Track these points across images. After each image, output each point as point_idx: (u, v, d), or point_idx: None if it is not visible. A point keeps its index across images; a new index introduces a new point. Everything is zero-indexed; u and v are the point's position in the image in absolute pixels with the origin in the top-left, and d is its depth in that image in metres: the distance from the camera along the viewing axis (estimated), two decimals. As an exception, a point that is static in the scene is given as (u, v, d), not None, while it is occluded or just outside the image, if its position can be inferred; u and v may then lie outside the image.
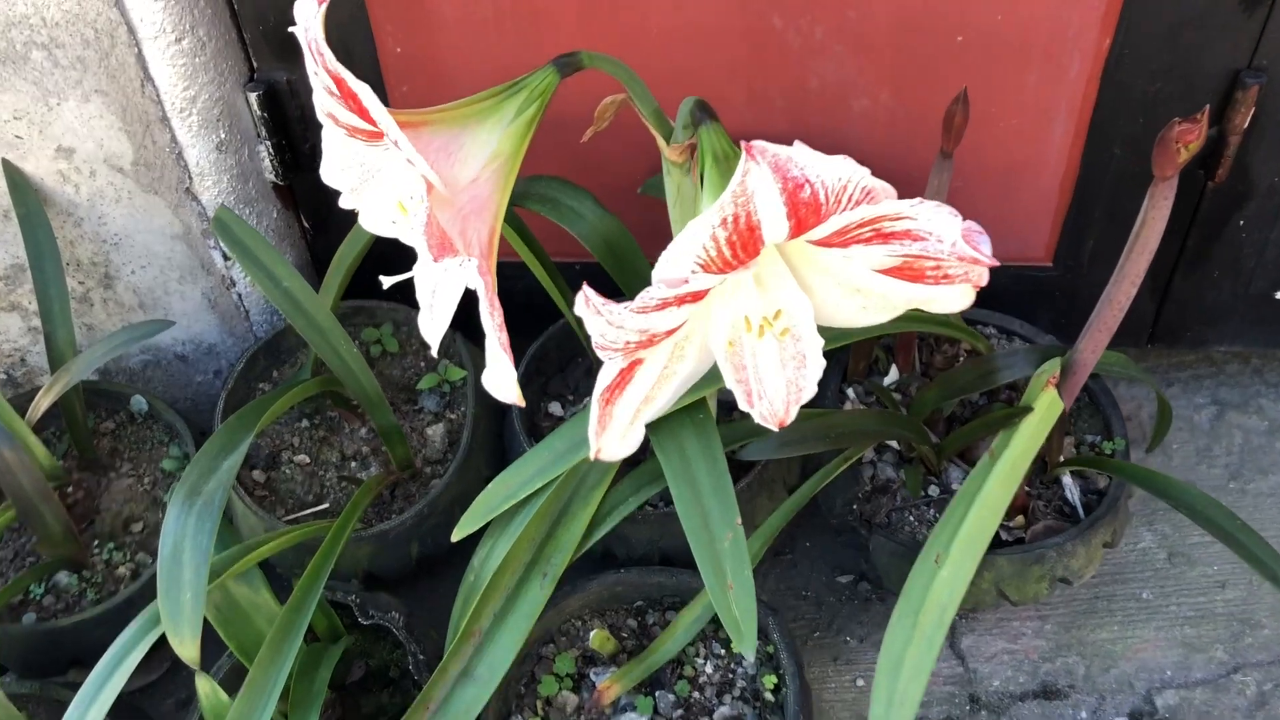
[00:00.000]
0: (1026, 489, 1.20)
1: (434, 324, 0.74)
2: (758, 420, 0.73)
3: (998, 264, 0.61)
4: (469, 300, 1.50)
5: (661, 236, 1.30)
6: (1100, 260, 1.31)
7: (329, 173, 0.78)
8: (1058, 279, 1.34)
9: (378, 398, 1.16)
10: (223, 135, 1.21)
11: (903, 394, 1.26)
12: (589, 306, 0.61)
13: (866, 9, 1.13)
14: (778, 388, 0.72)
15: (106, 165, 1.19)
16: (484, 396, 1.29)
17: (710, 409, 1.04)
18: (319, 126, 1.25)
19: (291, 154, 1.27)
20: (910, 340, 1.26)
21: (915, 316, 1.14)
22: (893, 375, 1.28)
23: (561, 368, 1.35)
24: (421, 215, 0.61)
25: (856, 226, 0.61)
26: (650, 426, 1.04)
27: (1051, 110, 1.18)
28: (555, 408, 1.31)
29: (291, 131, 1.25)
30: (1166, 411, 1.28)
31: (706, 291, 0.62)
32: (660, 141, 0.77)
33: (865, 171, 0.58)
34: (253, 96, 1.20)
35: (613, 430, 0.73)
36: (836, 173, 0.57)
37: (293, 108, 1.23)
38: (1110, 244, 1.29)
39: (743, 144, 0.54)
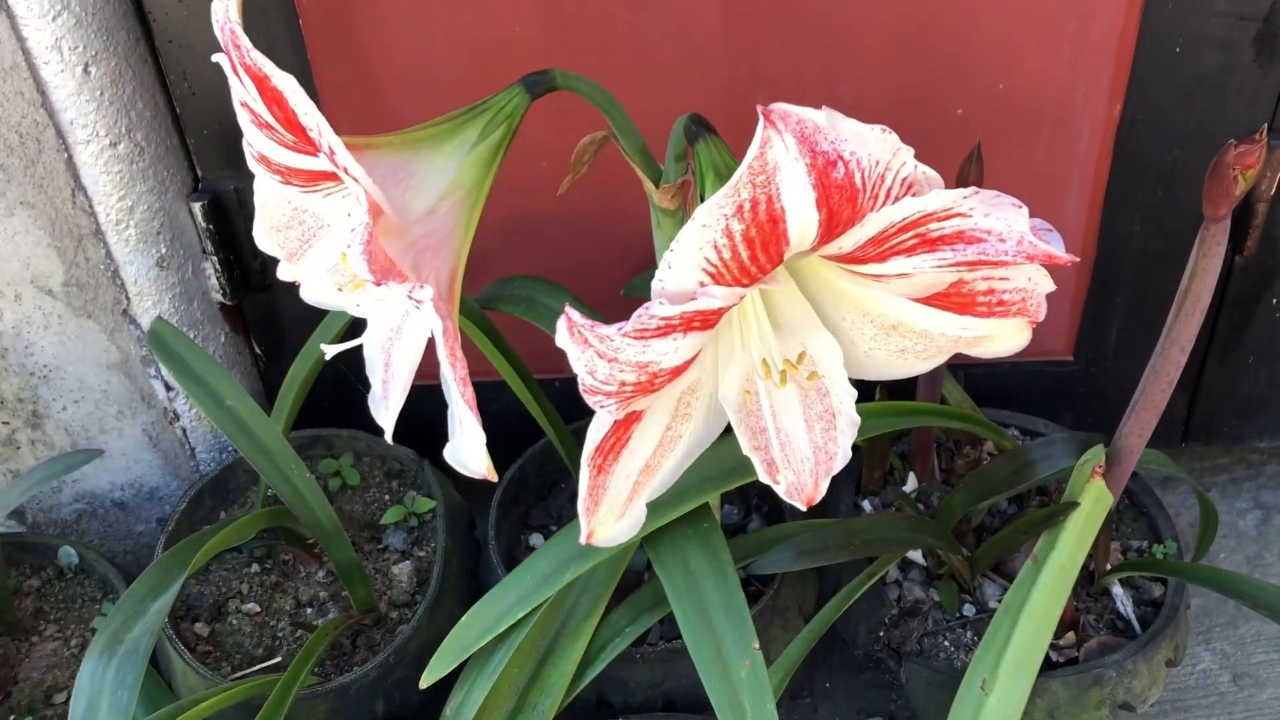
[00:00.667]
0: (1074, 602, 1.06)
1: (388, 401, 0.62)
2: (783, 495, 0.61)
3: (1076, 260, 0.50)
4: (434, 420, 1.37)
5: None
6: (1125, 351, 1.20)
7: (262, 234, 0.67)
8: (1080, 374, 1.23)
9: (335, 530, 1.03)
10: (163, 250, 1.10)
11: (924, 504, 1.13)
12: (573, 334, 0.49)
13: (858, 84, 1.05)
14: (804, 454, 0.60)
15: (34, 287, 1.08)
16: (456, 529, 1.16)
17: (715, 518, 0.91)
18: (270, 240, 1.15)
19: (240, 271, 1.16)
20: (928, 444, 1.14)
21: (936, 410, 1.03)
22: (911, 484, 1.16)
23: (543, 495, 1.22)
24: (361, 233, 0.50)
25: (897, 230, 0.50)
26: (648, 542, 0.91)
27: (1063, 184, 1.10)
28: (537, 540, 1.17)
29: (240, 246, 1.15)
30: (1211, 514, 1.15)
31: (717, 316, 0.51)
32: (647, 185, 0.67)
33: (909, 152, 0.47)
34: (197, 207, 1.11)
35: (607, 506, 0.60)
36: (874, 150, 0.46)
37: (241, 219, 1.13)
38: (1135, 333, 1.19)
39: (760, 107, 0.43)
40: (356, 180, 0.50)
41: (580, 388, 0.52)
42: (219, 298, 1.17)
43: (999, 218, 0.48)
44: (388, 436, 0.65)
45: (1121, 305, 1.17)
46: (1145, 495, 1.14)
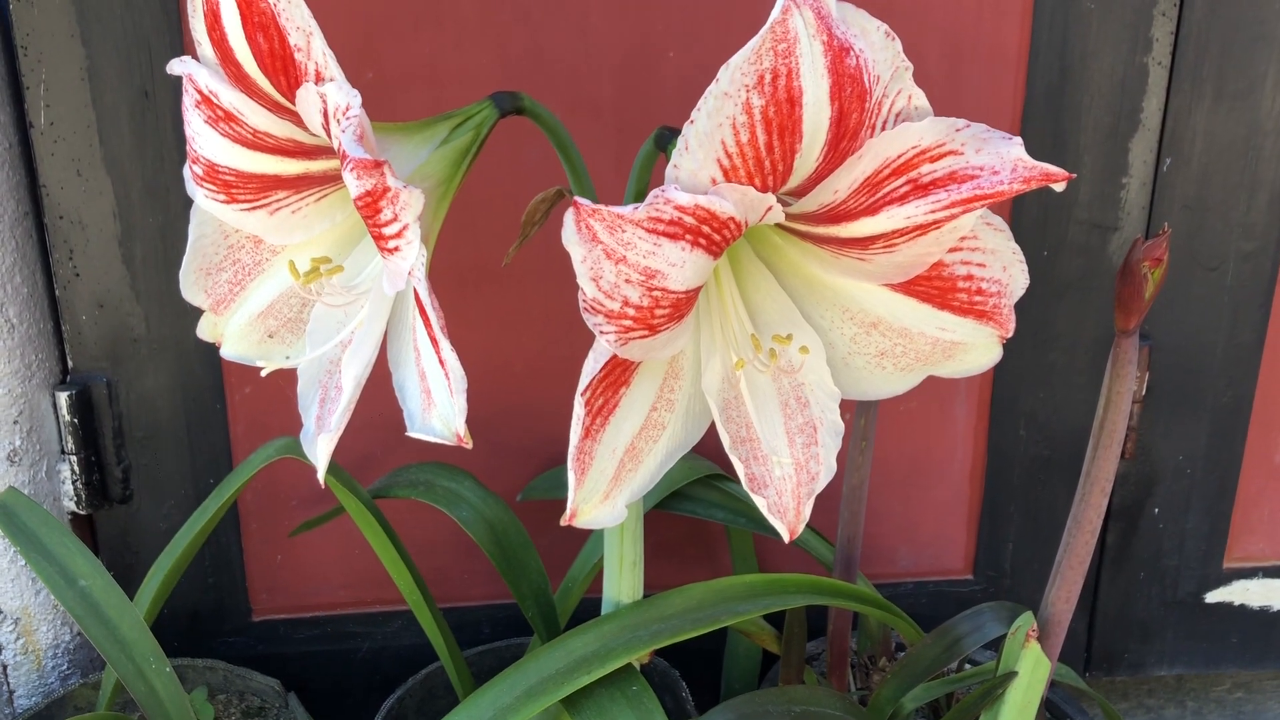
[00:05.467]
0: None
1: (326, 426, 0.56)
2: (766, 514, 0.56)
3: (1072, 176, 0.50)
4: (298, 657, 1.23)
5: (553, 536, 1.12)
6: (1024, 569, 1.20)
7: (189, 279, 0.62)
8: (981, 594, 1.21)
9: (193, 742, 0.88)
10: (18, 443, 1.01)
11: None
12: (581, 226, 0.45)
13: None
14: (785, 466, 0.56)
15: None
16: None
17: (644, 680, 0.83)
18: (136, 444, 1.07)
19: (100, 476, 1.07)
20: (843, 656, 1.08)
21: (854, 593, 0.99)
22: (828, 702, 1.08)
23: (424, 737, 1.08)
24: (356, 115, 0.46)
25: (890, 173, 0.50)
26: (569, 707, 0.82)
27: (952, 389, 1.14)
28: (418, 784, 1.03)
29: (102, 447, 1.06)
30: (1126, 734, 1.11)
31: (722, 240, 0.48)
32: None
33: (908, 73, 0.48)
34: (63, 398, 1.03)
35: (592, 481, 0.53)
36: (878, 56, 0.47)
37: (110, 417, 1.05)
38: (1032, 548, 1.19)
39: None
40: (344, 101, 0.47)
41: (581, 304, 0.48)
42: (72, 506, 1.06)
43: (990, 152, 0.49)
44: (320, 470, 0.57)
45: (1015, 517, 1.18)
46: (1066, 704, 1.09)
